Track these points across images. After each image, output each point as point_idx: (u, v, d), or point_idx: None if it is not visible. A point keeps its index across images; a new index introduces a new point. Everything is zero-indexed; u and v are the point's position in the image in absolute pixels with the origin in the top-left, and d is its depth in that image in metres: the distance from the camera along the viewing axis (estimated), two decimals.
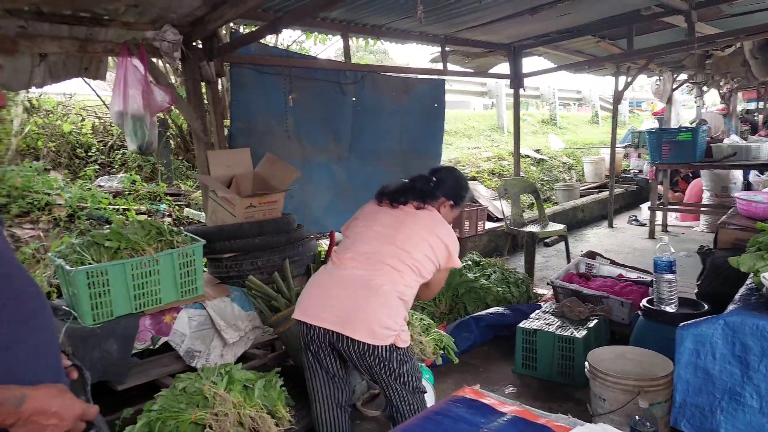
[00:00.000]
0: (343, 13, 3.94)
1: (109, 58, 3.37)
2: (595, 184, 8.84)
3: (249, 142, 3.60)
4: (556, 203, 7.96)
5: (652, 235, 6.36)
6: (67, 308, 2.60)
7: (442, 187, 2.30)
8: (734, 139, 6.51)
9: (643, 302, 2.67)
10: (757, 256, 1.79)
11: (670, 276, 2.50)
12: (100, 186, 5.19)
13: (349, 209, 4.46)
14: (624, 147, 9.29)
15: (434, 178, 2.31)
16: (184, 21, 3.16)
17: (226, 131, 3.70)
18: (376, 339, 1.91)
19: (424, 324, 3.01)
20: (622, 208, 8.28)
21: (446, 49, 5.28)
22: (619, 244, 6.23)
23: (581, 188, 8.44)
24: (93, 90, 5.95)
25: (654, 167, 6.13)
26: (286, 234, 3.18)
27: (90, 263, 2.46)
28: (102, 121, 6.24)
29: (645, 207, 7.12)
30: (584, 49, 6.21)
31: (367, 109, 4.58)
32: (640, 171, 8.94)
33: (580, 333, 2.94)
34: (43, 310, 1.02)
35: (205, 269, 3.22)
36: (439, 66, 5.35)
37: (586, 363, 2.33)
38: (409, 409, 2.05)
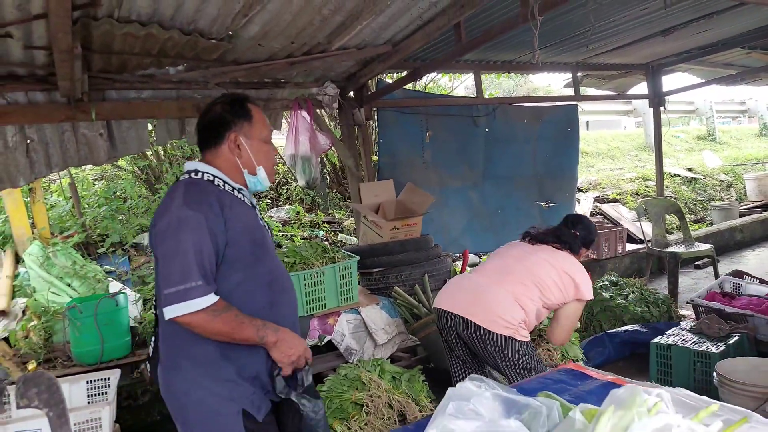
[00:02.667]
0: (474, 54, 4.38)
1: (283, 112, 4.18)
2: (759, 203, 8.06)
3: (393, 174, 4.16)
4: (711, 224, 7.45)
5: None
6: None
7: (582, 240, 2.56)
8: None
9: None
10: None
11: None
12: (271, 216, 6.16)
13: (484, 230, 4.86)
14: None
15: (577, 233, 2.56)
16: (341, 77, 3.84)
17: (374, 166, 4.32)
18: (493, 326, 2.26)
19: None
20: None
21: (578, 74, 5.45)
22: None
23: (741, 207, 7.77)
24: None
25: None
26: (424, 251, 3.64)
27: None
28: None
29: None
30: (734, 61, 5.91)
31: (500, 138, 4.94)
32: None
33: (717, 348, 2.93)
34: (290, 285, 1.70)
35: (359, 282, 3.79)
36: (572, 90, 5.52)
37: (714, 372, 2.40)
38: None
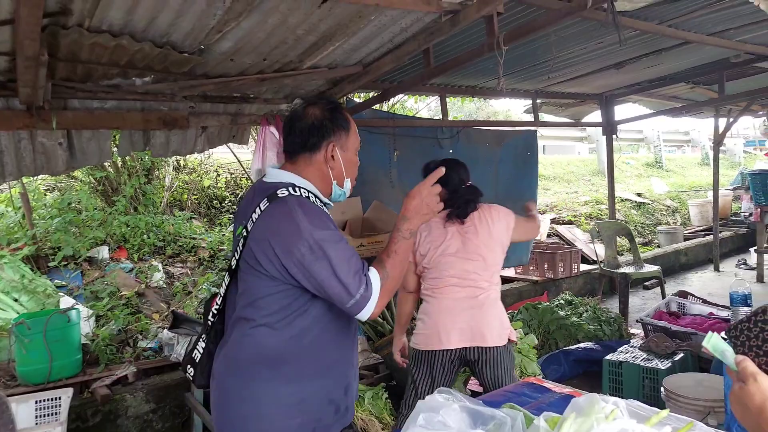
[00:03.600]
0: (441, 78, 4.52)
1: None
2: (701, 228, 8.54)
3: (360, 191, 4.21)
4: (658, 246, 7.82)
5: (760, 279, 6.09)
6: None
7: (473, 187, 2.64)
8: None
9: (722, 333, 2.80)
10: None
11: (745, 309, 2.64)
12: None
13: None
14: (733, 189, 8.91)
15: (468, 183, 2.64)
16: (311, 95, 3.89)
17: None
18: (502, 339, 2.34)
19: None
20: (731, 251, 7.93)
21: (538, 101, 5.69)
22: (724, 287, 6.02)
23: (685, 231, 8.20)
24: (231, 150, 7.01)
25: (759, 209, 5.97)
26: None
27: None
28: (233, 176, 7.29)
29: (753, 250, 6.84)
30: (680, 95, 6.29)
31: (463, 160, 5.07)
32: (751, 214, 8.50)
33: (664, 365, 3.09)
34: None
35: None
36: (532, 116, 5.75)
37: (662, 387, 2.53)
38: None
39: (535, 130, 5.82)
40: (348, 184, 1.64)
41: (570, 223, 7.90)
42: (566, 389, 1.53)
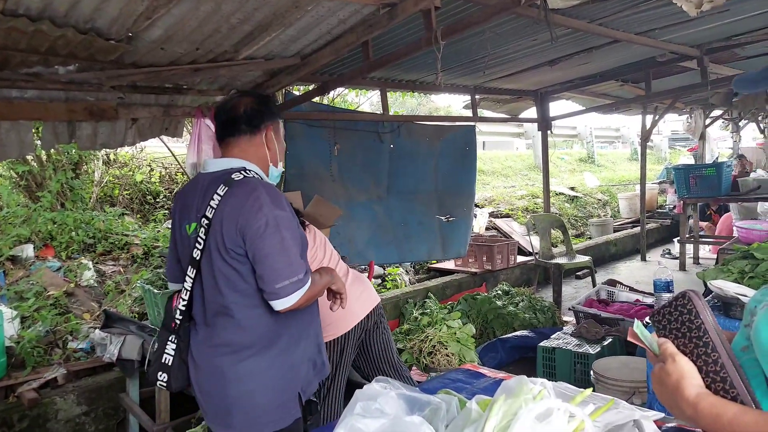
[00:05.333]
0: (381, 72, 4.52)
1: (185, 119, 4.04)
2: (629, 220, 9.02)
3: (300, 186, 4.16)
4: (589, 238, 8.20)
5: (682, 267, 6.52)
6: (152, 326, 3.15)
7: None
8: (760, 173, 6.67)
9: (646, 319, 2.98)
10: (718, 270, 2.12)
11: (667, 295, 2.81)
12: (169, 228, 5.88)
13: (388, 243, 5.00)
14: (659, 183, 9.46)
15: None
16: (247, 86, 3.79)
17: (282, 177, 4.30)
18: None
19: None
20: (657, 242, 8.43)
21: (476, 97, 5.81)
22: (649, 275, 6.39)
23: (615, 224, 8.64)
24: (164, 144, 6.74)
25: (682, 201, 6.37)
26: None
27: None
28: (168, 170, 7.02)
29: (676, 240, 7.30)
30: (610, 92, 6.59)
31: (404, 155, 5.12)
32: (675, 206, 9.07)
33: (594, 350, 3.25)
34: None
35: None
36: (471, 112, 5.87)
37: (592, 371, 2.66)
38: None
39: (474, 126, 5.94)
40: (281, 167, 1.80)
41: (508, 216, 8.14)
42: (500, 374, 1.58)
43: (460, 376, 1.56)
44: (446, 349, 3.25)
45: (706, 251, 7.21)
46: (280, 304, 1.53)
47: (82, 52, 2.75)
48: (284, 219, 1.56)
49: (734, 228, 3.26)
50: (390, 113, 5.07)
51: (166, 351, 1.64)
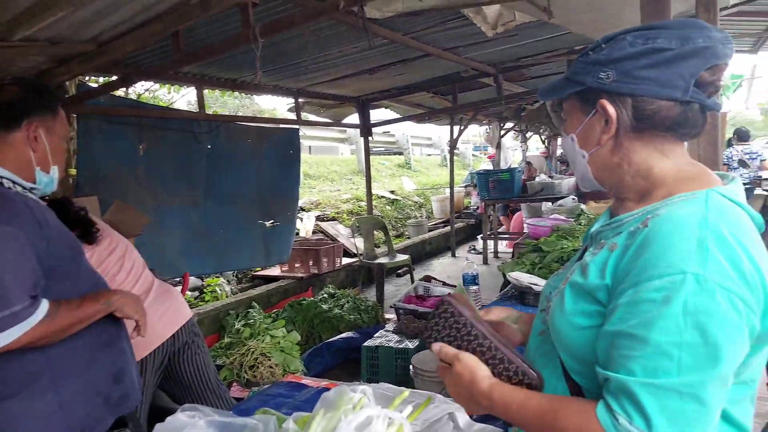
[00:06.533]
0: (195, 68, 4.21)
1: None
2: (441, 220, 9.82)
3: (97, 190, 3.66)
4: (408, 238, 8.72)
5: (485, 261, 7.29)
6: None
7: None
8: (543, 177, 7.78)
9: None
10: (514, 263, 2.39)
11: (474, 287, 3.08)
12: None
13: (206, 251, 4.68)
14: (465, 187, 10.47)
15: None
16: (28, 73, 3.23)
17: (71, 180, 3.72)
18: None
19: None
20: (464, 239, 9.32)
21: (300, 100, 5.77)
22: (459, 270, 7.03)
23: (430, 224, 9.34)
24: None
25: (483, 203, 7.11)
26: None
27: None
28: None
29: (480, 237, 8.15)
30: (423, 102, 7.08)
31: (223, 156, 4.85)
32: (478, 207, 10.13)
33: (413, 344, 3.42)
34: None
35: None
36: (295, 115, 5.81)
37: (411, 365, 2.79)
38: None
39: (298, 129, 5.90)
40: (56, 172, 1.52)
41: (333, 219, 8.27)
42: (323, 382, 1.54)
43: (281, 390, 1.48)
44: (270, 360, 3.13)
45: (504, 246, 8.16)
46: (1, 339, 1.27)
47: None
48: (8, 236, 1.29)
49: (525, 225, 3.71)
50: (208, 112, 4.76)
51: None
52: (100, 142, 3.80)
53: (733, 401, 0.82)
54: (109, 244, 2.09)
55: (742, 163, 6.83)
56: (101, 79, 4.39)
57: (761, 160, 7.01)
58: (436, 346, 0.95)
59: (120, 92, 4.19)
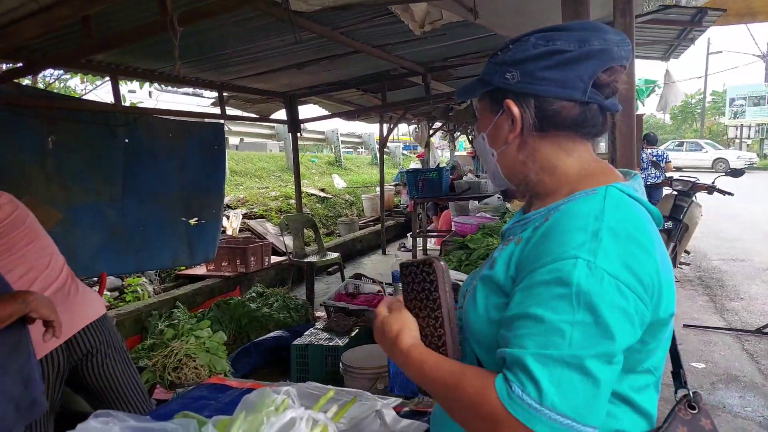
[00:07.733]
0: (110, 56, 3.97)
1: None
2: (372, 218, 9.86)
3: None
4: (339, 236, 8.68)
5: (414, 258, 7.40)
6: None
7: None
8: (470, 177, 8.00)
9: (398, 264, 3.24)
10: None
11: None
12: None
13: (125, 250, 4.43)
14: (395, 185, 10.57)
15: None
16: None
17: None
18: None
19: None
20: (395, 237, 9.42)
21: (224, 94, 5.57)
22: (389, 267, 7.12)
23: (360, 222, 9.34)
24: None
25: (413, 201, 7.21)
26: None
27: None
28: None
29: (409, 235, 8.26)
30: (352, 100, 7.05)
31: (142, 151, 4.60)
32: (408, 205, 10.26)
33: (343, 342, 3.41)
34: None
35: None
36: (219, 109, 5.60)
37: (341, 363, 2.77)
38: None
39: (223, 124, 5.70)
40: None
41: (262, 217, 8.08)
42: (248, 383, 1.49)
43: (203, 392, 1.42)
44: (194, 361, 3.01)
45: (433, 243, 8.32)
46: None
47: None
48: None
49: (452, 223, 3.80)
50: (125, 105, 4.50)
51: None
52: (3, 133, 3.49)
53: (637, 389, 0.87)
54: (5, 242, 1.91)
55: (655, 165, 7.37)
56: (4, 66, 4.04)
57: (666, 162, 7.62)
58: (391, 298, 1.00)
59: (27, 81, 3.86)
